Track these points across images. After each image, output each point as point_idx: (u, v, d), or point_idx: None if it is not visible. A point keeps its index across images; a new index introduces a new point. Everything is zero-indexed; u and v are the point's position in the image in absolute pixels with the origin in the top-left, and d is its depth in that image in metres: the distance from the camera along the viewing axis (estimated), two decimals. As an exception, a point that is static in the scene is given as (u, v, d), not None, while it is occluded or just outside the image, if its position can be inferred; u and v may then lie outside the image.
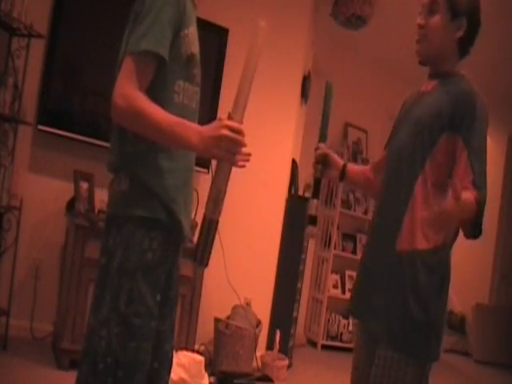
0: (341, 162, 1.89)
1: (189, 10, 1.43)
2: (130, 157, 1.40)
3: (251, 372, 3.33)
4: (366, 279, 1.69)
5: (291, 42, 3.91)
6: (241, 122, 1.37)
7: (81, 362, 1.39)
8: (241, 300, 3.49)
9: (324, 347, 4.87)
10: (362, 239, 5.20)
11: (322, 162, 1.87)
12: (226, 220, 3.56)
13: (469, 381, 5.13)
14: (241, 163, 1.56)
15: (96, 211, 3.14)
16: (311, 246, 4.84)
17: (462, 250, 5.43)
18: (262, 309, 3.73)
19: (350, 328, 5.00)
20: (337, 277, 5.11)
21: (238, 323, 3.34)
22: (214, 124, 1.35)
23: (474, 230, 1.51)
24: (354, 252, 5.12)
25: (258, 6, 3.77)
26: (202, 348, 3.47)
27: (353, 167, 1.91)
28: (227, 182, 1.41)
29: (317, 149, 1.88)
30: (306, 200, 4.13)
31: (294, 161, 4.10)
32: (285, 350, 3.74)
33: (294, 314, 3.98)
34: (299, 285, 4.04)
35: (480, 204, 1.45)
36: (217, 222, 1.42)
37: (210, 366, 3.28)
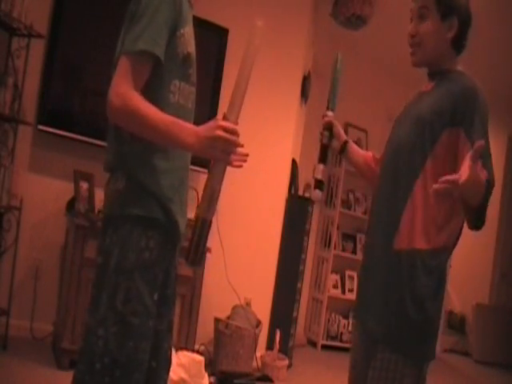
0: (344, 135, 1.92)
1: (185, 9, 1.43)
2: (126, 156, 1.40)
3: (251, 372, 3.33)
4: (365, 279, 1.69)
5: (291, 42, 3.91)
6: (236, 123, 1.37)
7: (78, 362, 1.38)
8: (241, 300, 3.49)
9: (324, 347, 4.87)
10: (361, 239, 5.19)
11: (329, 129, 1.89)
12: (226, 220, 3.58)
13: (469, 381, 5.13)
14: (237, 163, 1.56)
15: (96, 211, 3.14)
16: (311, 245, 4.84)
17: (462, 250, 5.43)
18: (262, 309, 3.73)
19: (350, 328, 5.00)
20: (337, 277, 5.11)
21: (238, 323, 3.34)
22: (209, 124, 1.35)
23: (478, 218, 1.47)
24: (354, 252, 5.12)
25: (258, 6, 3.77)
26: (202, 348, 3.47)
27: (355, 147, 1.92)
28: (222, 181, 1.41)
29: (324, 116, 1.91)
30: (306, 200, 4.13)
31: (294, 161, 4.10)
32: (285, 350, 3.74)
33: (294, 314, 3.98)
34: (299, 285, 4.04)
35: (489, 184, 1.42)
36: (210, 222, 1.42)
37: (210, 366, 3.28)
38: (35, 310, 3.21)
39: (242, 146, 1.39)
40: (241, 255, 3.72)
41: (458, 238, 1.60)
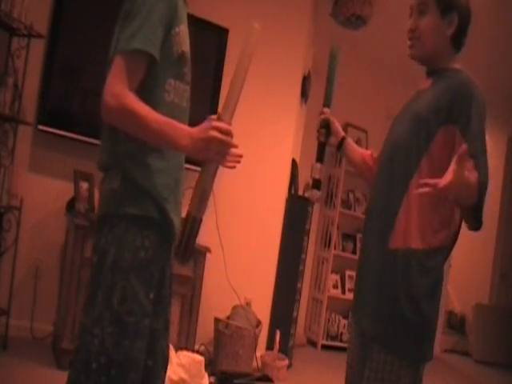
0: (341, 132, 1.91)
1: (180, 7, 1.42)
2: (121, 156, 1.40)
3: (251, 372, 3.33)
4: (360, 278, 1.69)
5: (291, 41, 3.91)
6: (230, 123, 1.37)
7: (73, 361, 1.38)
8: (241, 300, 3.49)
9: (324, 347, 4.87)
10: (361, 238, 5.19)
11: (326, 126, 1.88)
12: (226, 220, 3.58)
13: (469, 381, 5.13)
14: (231, 164, 1.56)
15: (96, 211, 3.14)
16: (311, 245, 4.84)
17: (462, 250, 5.44)
18: (262, 309, 3.73)
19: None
20: (337, 277, 5.11)
21: (238, 323, 3.34)
22: (204, 125, 1.35)
23: (475, 219, 1.47)
24: (354, 252, 5.12)
25: (258, 6, 3.77)
26: (202, 348, 3.47)
27: (353, 144, 1.91)
28: (213, 181, 1.41)
29: (321, 113, 1.90)
30: (306, 200, 4.13)
31: (294, 161, 4.09)
32: (285, 350, 3.74)
33: (294, 314, 3.98)
34: (299, 285, 4.04)
35: (482, 185, 1.40)
36: (200, 220, 1.42)
37: (210, 366, 3.28)
38: (35, 310, 3.21)
39: (236, 146, 1.39)
40: (241, 255, 3.72)
41: (456, 238, 1.58)
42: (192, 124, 1.43)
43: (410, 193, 1.53)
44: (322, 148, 1.91)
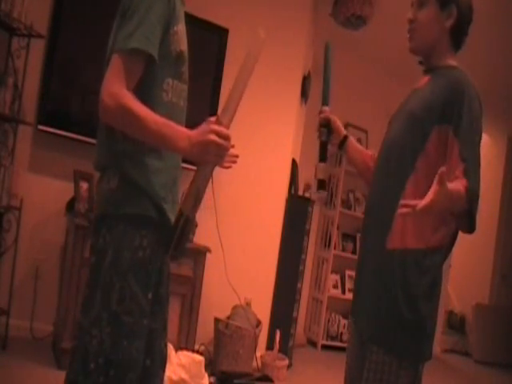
0: (343, 130, 1.90)
1: (178, 6, 1.42)
2: (118, 156, 1.39)
3: (251, 372, 3.33)
4: (359, 278, 1.69)
5: (291, 42, 3.90)
6: (228, 127, 1.37)
7: (72, 361, 1.38)
8: (241, 300, 3.49)
9: (324, 347, 4.87)
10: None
11: (326, 125, 1.87)
12: (226, 220, 3.58)
13: (469, 381, 5.13)
14: (227, 164, 1.55)
15: (93, 211, 3.14)
16: (311, 245, 4.84)
17: (462, 250, 5.44)
18: (262, 309, 3.73)
19: (350, 328, 5.00)
20: (337, 277, 5.11)
21: (238, 323, 3.34)
22: (202, 128, 1.34)
23: (468, 224, 1.47)
24: (354, 252, 5.11)
25: (258, 6, 3.77)
26: (202, 348, 3.47)
27: (354, 143, 1.90)
28: (208, 181, 1.41)
29: (320, 112, 1.89)
30: (306, 200, 4.13)
31: (294, 161, 4.09)
32: (285, 350, 3.74)
33: (294, 314, 3.98)
34: (299, 285, 4.04)
35: (471, 192, 1.41)
36: (192, 220, 1.42)
37: (210, 366, 3.28)
38: (35, 310, 3.21)
39: (233, 146, 1.39)
40: (241, 255, 3.72)
41: (455, 238, 1.58)
42: (191, 124, 1.43)
43: (406, 192, 1.53)
44: (323, 147, 1.89)
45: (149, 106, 1.34)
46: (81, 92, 3.24)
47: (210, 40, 3.59)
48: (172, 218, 1.45)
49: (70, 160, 3.23)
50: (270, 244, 3.87)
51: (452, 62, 1.63)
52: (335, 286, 5.08)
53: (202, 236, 3.38)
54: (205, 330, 3.45)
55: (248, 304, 3.53)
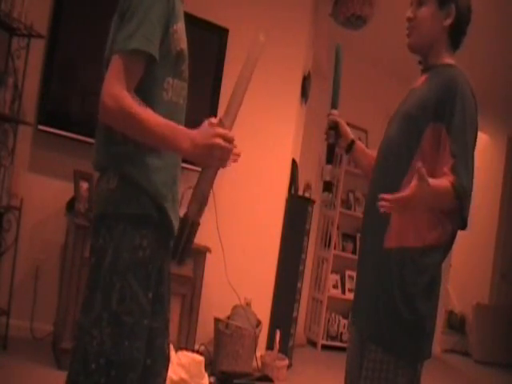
0: (350, 134, 1.90)
1: (177, 5, 1.42)
2: (118, 156, 1.39)
3: (251, 372, 3.33)
4: (358, 277, 1.70)
5: (291, 42, 3.90)
6: (230, 129, 1.37)
7: (72, 361, 1.37)
8: (241, 300, 3.49)
9: (324, 347, 4.87)
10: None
11: (334, 128, 1.88)
12: (226, 220, 3.58)
13: (469, 381, 5.13)
14: (229, 163, 1.55)
15: (93, 211, 3.14)
16: (311, 245, 4.84)
17: (462, 250, 5.44)
18: (262, 309, 3.73)
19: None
20: (337, 277, 5.11)
21: (238, 323, 3.34)
22: (207, 131, 1.34)
23: (460, 220, 1.48)
24: (354, 252, 5.11)
25: (258, 6, 3.77)
26: (202, 348, 3.47)
27: (361, 147, 1.91)
28: (212, 184, 1.41)
29: (329, 115, 1.90)
30: (306, 200, 4.13)
31: (294, 161, 4.10)
32: (285, 350, 3.74)
33: (294, 314, 3.98)
34: (299, 285, 4.04)
35: (458, 188, 1.42)
36: (198, 224, 1.43)
37: (210, 366, 3.28)
38: (35, 309, 3.21)
39: (235, 147, 1.39)
40: (241, 255, 3.72)
41: (454, 236, 1.58)
42: (190, 124, 1.42)
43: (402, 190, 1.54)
44: (331, 150, 1.91)
45: (149, 105, 1.34)
46: (81, 92, 3.24)
47: (210, 40, 3.59)
48: (173, 216, 1.45)
49: (70, 160, 3.23)
50: (270, 244, 3.87)
51: (449, 60, 1.64)
52: (335, 286, 5.08)
53: (202, 236, 3.37)
54: (205, 330, 3.45)
55: (248, 304, 3.53)
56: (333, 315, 5.03)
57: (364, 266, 1.65)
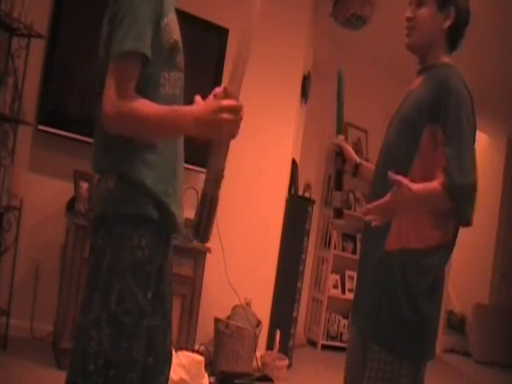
0: (355, 158, 1.91)
1: None
2: (116, 159, 1.39)
3: (251, 372, 3.33)
4: (359, 278, 1.70)
5: (291, 42, 3.90)
6: (238, 94, 1.32)
7: (71, 362, 1.37)
8: (241, 300, 3.49)
9: (324, 347, 4.87)
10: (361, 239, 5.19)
11: (341, 154, 1.89)
12: (226, 220, 3.58)
13: (469, 381, 5.13)
14: None
15: (92, 211, 3.14)
16: (311, 245, 4.84)
17: (462, 250, 5.43)
18: (262, 309, 3.73)
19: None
20: (337, 277, 5.11)
21: (238, 323, 3.34)
22: (211, 106, 1.31)
23: (460, 217, 1.49)
24: (354, 252, 5.12)
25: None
26: (202, 348, 3.47)
27: (367, 166, 1.92)
28: (226, 158, 1.38)
29: (335, 141, 1.90)
30: (306, 200, 4.13)
31: (294, 161, 4.10)
32: (285, 350, 3.74)
33: (294, 314, 3.98)
34: (299, 285, 4.04)
35: (449, 187, 1.42)
36: (217, 199, 1.41)
37: (210, 366, 3.28)
38: (35, 310, 3.21)
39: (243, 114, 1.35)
40: (241, 255, 3.72)
41: (455, 236, 1.58)
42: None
43: None
44: (339, 176, 1.91)
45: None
46: (81, 92, 3.24)
47: (210, 40, 3.59)
48: (176, 210, 1.44)
49: (70, 160, 3.23)
50: (270, 244, 3.87)
51: (446, 60, 1.64)
52: (335, 286, 5.08)
53: (202, 236, 3.38)
54: (205, 330, 3.45)
55: (248, 304, 3.53)
56: (333, 315, 5.03)
57: (365, 267, 1.65)
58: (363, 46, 4.92)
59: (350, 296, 5.00)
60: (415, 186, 1.39)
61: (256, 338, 3.40)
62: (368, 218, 1.41)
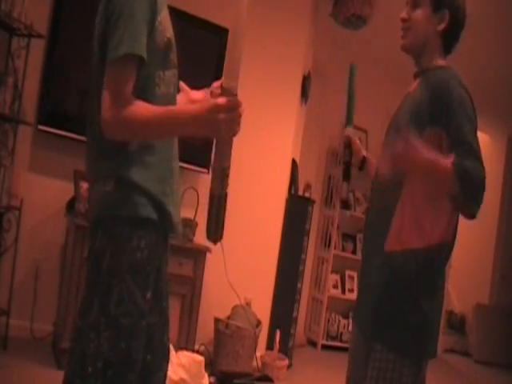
0: (362, 152, 1.92)
1: None
2: (114, 165, 1.38)
3: (251, 372, 3.33)
4: (361, 278, 1.71)
5: (291, 42, 3.90)
6: (236, 89, 1.30)
7: (69, 362, 1.37)
8: (241, 300, 3.49)
9: (324, 347, 4.87)
10: (361, 239, 5.18)
11: (349, 146, 1.90)
12: (226, 220, 3.57)
13: (469, 381, 5.13)
14: None
15: (90, 213, 3.14)
16: (311, 245, 4.84)
17: (462, 250, 5.43)
18: (262, 309, 3.73)
19: (350, 328, 4.99)
20: (337, 277, 5.11)
21: (238, 323, 3.34)
22: (206, 105, 1.30)
23: (466, 207, 1.47)
24: (354, 252, 5.11)
25: (258, 6, 3.77)
26: (202, 348, 3.47)
27: (372, 162, 1.92)
28: (230, 155, 1.37)
29: (344, 133, 1.92)
30: (306, 200, 4.13)
31: (294, 161, 4.10)
32: (285, 350, 3.74)
33: (294, 314, 3.98)
34: (299, 285, 4.04)
35: (458, 168, 1.40)
36: (226, 196, 1.40)
37: (210, 366, 3.28)
38: (35, 310, 3.21)
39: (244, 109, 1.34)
40: (241, 255, 3.72)
41: (454, 235, 1.58)
42: None
43: (403, 196, 1.55)
44: (347, 168, 1.92)
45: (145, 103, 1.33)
46: (81, 92, 3.24)
47: (209, 40, 3.58)
48: (172, 210, 1.44)
49: (70, 160, 3.23)
50: (270, 244, 3.87)
51: (441, 62, 1.64)
52: (335, 286, 5.07)
53: (202, 236, 3.38)
54: (205, 330, 3.45)
55: (248, 304, 3.53)
56: (333, 315, 5.03)
57: (367, 267, 1.65)
58: (363, 46, 4.92)
59: (350, 296, 5.00)
60: (432, 152, 1.39)
61: (256, 338, 3.40)
62: (381, 170, 1.38)
